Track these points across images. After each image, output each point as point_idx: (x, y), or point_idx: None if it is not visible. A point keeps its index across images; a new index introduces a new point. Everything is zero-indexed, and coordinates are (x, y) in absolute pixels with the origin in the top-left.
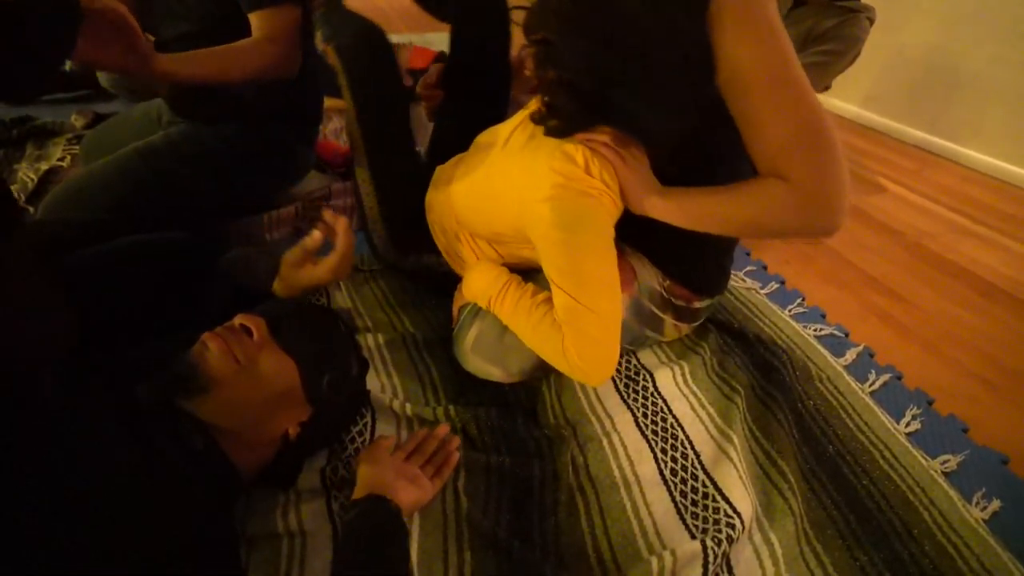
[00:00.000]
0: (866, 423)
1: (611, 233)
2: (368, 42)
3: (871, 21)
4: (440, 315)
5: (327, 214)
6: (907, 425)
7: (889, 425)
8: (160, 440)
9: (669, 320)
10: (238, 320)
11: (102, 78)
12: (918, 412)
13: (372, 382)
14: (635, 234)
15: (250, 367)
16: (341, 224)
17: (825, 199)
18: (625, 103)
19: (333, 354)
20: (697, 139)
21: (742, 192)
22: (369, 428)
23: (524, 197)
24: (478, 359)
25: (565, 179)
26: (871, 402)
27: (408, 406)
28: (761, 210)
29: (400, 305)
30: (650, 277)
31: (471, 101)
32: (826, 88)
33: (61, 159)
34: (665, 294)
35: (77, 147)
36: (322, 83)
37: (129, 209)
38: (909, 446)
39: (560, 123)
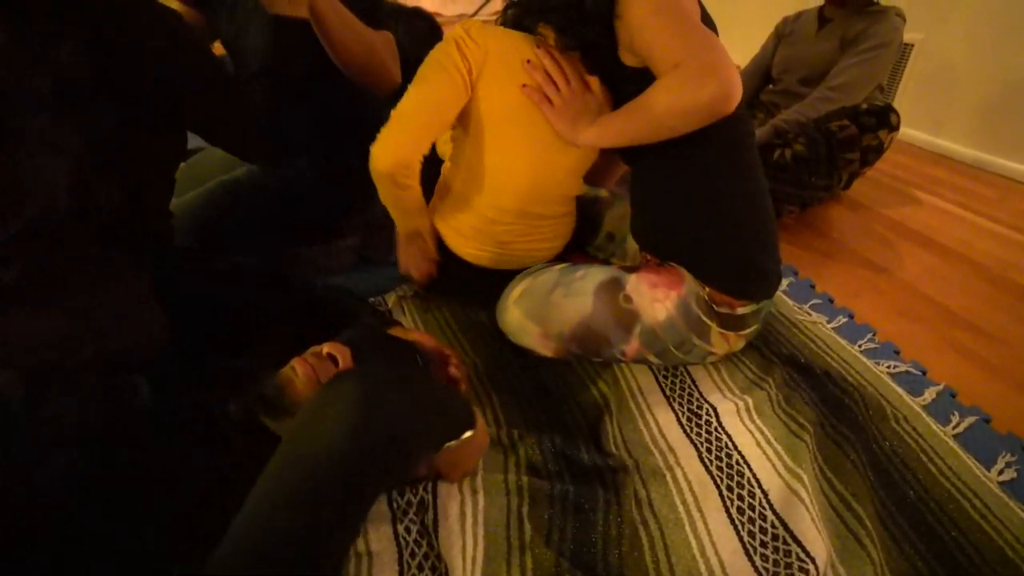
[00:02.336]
0: (951, 468)
1: (440, 63)
2: None
3: (902, 19)
4: (498, 339)
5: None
6: (1000, 473)
7: (978, 472)
8: (241, 451)
9: (715, 328)
10: (326, 348)
11: None
12: (1012, 459)
13: None
14: (665, 246)
15: None
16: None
17: (710, 66)
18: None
19: None
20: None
21: (649, 93)
22: None
23: None
24: (519, 312)
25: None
26: (956, 446)
27: None
28: (667, 97)
29: (461, 330)
30: (693, 285)
31: None
32: (881, 90)
33: None
34: (708, 300)
35: None
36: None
37: (213, 237)
38: (1004, 496)
39: (516, 12)
